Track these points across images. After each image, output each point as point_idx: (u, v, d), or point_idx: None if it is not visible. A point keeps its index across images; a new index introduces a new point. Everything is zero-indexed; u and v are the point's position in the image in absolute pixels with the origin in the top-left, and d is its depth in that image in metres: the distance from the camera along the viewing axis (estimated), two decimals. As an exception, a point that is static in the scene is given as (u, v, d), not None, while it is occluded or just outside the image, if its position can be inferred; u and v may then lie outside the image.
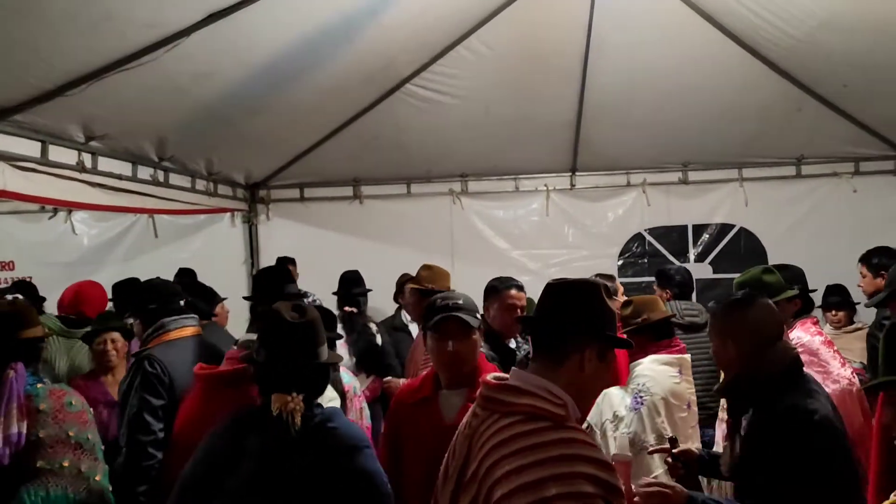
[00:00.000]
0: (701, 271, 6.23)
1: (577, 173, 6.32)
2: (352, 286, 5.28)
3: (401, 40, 4.60)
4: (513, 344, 3.85)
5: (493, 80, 5.18)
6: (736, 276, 5.80)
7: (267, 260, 6.18)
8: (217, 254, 6.31)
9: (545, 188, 6.32)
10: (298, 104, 4.84)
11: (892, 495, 1.72)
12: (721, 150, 5.97)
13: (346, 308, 5.13)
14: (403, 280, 5.17)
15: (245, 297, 4.28)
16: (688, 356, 3.54)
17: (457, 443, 1.78)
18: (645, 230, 6.31)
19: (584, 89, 5.26)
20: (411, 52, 4.87)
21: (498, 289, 3.69)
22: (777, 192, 6.11)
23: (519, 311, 3.53)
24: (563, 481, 1.50)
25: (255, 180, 6.35)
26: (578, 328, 1.73)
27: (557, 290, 1.82)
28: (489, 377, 1.80)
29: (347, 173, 6.33)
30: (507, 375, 1.77)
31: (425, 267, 4.59)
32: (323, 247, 6.23)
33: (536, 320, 1.82)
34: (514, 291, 3.63)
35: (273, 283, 3.77)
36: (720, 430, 3.42)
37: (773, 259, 5.47)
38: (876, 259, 4.37)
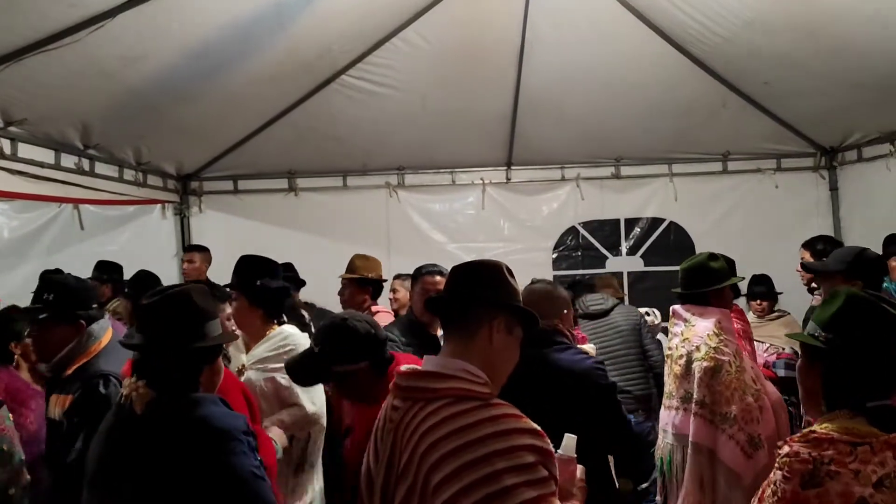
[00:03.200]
0: (632, 264, 6.39)
1: (512, 167, 6.39)
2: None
3: (336, 30, 4.57)
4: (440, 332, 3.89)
5: (430, 73, 5.19)
6: (666, 268, 6.09)
7: (200, 253, 6.05)
8: (147, 247, 6.14)
9: (481, 182, 6.37)
10: (232, 92, 4.75)
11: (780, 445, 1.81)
12: (652, 146, 6.13)
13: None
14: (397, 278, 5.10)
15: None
16: (589, 345, 3.60)
17: (377, 439, 1.79)
18: (579, 224, 6.43)
19: (519, 84, 5.32)
20: (347, 42, 4.84)
21: (416, 275, 3.76)
22: (704, 187, 6.31)
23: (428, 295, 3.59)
24: (507, 455, 1.55)
25: (186, 171, 6.21)
26: (483, 300, 1.80)
27: (461, 270, 1.91)
28: (402, 368, 1.81)
29: (282, 165, 6.25)
30: (417, 366, 1.80)
31: (360, 257, 4.60)
32: (257, 240, 6.10)
33: (444, 300, 1.88)
34: (429, 277, 3.72)
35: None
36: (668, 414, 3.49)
37: (701, 251, 5.65)
38: (820, 245, 4.60)
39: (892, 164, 5.33)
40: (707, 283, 3.46)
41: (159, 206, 6.17)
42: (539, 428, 1.65)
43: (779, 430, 3.18)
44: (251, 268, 3.31)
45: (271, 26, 4.14)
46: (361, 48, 4.96)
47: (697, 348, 3.30)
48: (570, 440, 1.97)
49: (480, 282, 1.83)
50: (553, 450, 1.67)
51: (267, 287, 3.26)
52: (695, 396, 3.27)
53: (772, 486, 1.74)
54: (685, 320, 3.47)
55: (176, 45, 3.94)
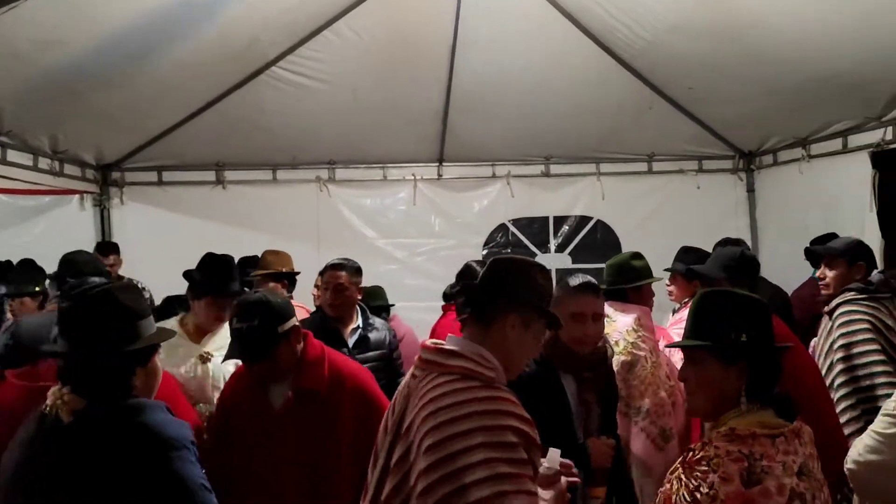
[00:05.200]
0: (560, 261, 6.49)
1: (444, 163, 6.40)
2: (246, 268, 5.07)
3: (266, 20, 4.49)
4: (358, 321, 3.88)
5: (362, 67, 5.16)
6: (593, 266, 6.22)
7: (122, 247, 5.83)
8: (63, 239, 5.80)
9: (412, 177, 6.36)
10: (156, 80, 4.61)
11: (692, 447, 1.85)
12: (580, 145, 6.24)
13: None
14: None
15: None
16: None
17: (396, 402, 1.96)
18: (509, 221, 6.49)
19: (451, 80, 5.34)
20: (277, 33, 4.76)
21: (323, 270, 3.88)
22: (630, 187, 6.46)
23: (333, 289, 3.72)
24: (489, 431, 1.71)
25: (107, 161, 5.97)
26: (507, 295, 1.95)
27: (497, 263, 2.07)
28: (427, 342, 1.98)
29: (210, 157, 6.08)
30: (443, 341, 1.96)
31: (271, 252, 4.61)
32: (183, 233, 5.95)
33: (474, 288, 2.05)
34: (332, 271, 3.80)
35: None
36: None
37: (627, 250, 5.80)
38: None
39: (805, 168, 5.59)
40: (627, 280, 3.58)
41: (77, 196, 5.91)
42: (530, 418, 1.81)
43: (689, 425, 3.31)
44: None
45: (199, 13, 4.04)
46: (292, 40, 4.89)
47: (616, 343, 3.39)
48: (553, 453, 2.02)
49: (508, 278, 1.99)
50: (540, 443, 1.81)
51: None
52: None
53: (703, 487, 1.70)
54: (607, 316, 3.55)
55: (97, 28, 3.79)
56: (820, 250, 3.54)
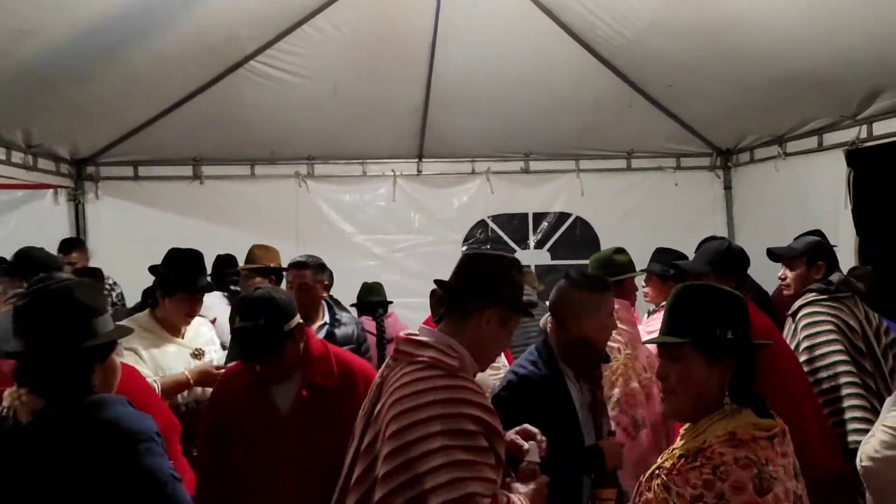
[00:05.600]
0: (540, 258, 6.52)
1: (423, 159, 6.39)
2: (225, 267, 5.03)
3: (244, 13, 4.46)
4: (325, 318, 3.88)
5: (341, 62, 5.13)
6: (572, 262, 6.24)
7: (97, 243, 5.76)
8: (37, 234, 5.72)
9: (392, 173, 6.34)
10: (133, 73, 4.55)
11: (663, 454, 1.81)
12: (560, 142, 6.26)
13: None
14: None
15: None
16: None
17: (371, 390, 2.02)
18: (488, 217, 6.50)
19: (431, 76, 5.33)
20: (256, 27, 4.72)
21: (288, 268, 3.87)
22: (610, 184, 6.50)
23: (297, 288, 3.71)
24: (448, 419, 1.76)
25: (82, 155, 5.88)
26: (482, 292, 1.99)
27: (473, 259, 2.12)
28: (402, 333, 2.02)
29: (187, 152, 6.02)
30: (417, 333, 2.00)
31: (260, 247, 4.57)
32: (159, 229, 5.86)
33: (450, 284, 2.06)
34: (294, 270, 3.81)
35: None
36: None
37: (606, 246, 5.84)
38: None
39: (781, 166, 5.65)
40: (609, 274, 3.59)
41: (51, 191, 5.83)
42: (492, 407, 1.87)
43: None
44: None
45: (176, 5, 4.00)
46: (270, 34, 4.85)
47: None
48: (533, 447, 2.03)
49: (482, 274, 2.03)
50: (503, 432, 1.87)
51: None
52: None
53: (709, 498, 1.61)
54: None
55: (73, 18, 3.73)
56: (779, 251, 3.56)
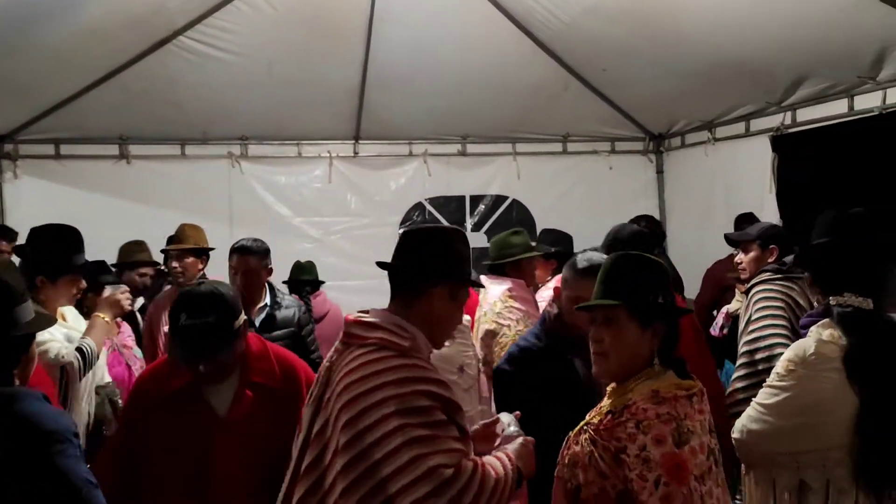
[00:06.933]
0: (477, 240, 6.51)
1: (360, 141, 6.32)
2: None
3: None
4: (266, 300, 3.82)
5: (276, 40, 5.00)
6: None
7: (15, 226, 5.48)
8: (-50, 216, 5.51)
9: (328, 155, 6.25)
10: (53, 46, 4.34)
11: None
12: (497, 125, 6.28)
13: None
14: None
15: None
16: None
17: (320, 375, 1.95)
18: (425, 199, 6.47)
19: (367, 57, 5.25)
20: (185, 0, 4.55)
21: (230, 253, 3.80)
22: (545, 167, 6.56)
23: (242, 273, 3.68)
24: (401, 398, 1.73)
25: (-1, 132, 5.60)
26: (429, 268, 1.93)
27: (412, 235, 2.06)
28: (351, 315, 1.94)
29: (112, 130, 5.78)
30: (365, 314, 1.93)
31: (191, 226, 4.42)
32: (83, 211, 5.57)
33: (393, 264, 2.00)
34: (233, 255, 3.76)
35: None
36: None
37: (542, 228, 5.91)
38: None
39: (710, 151, 5.82)
40: (505, 256, 3.90)
41: (-35, 170, 5.53)
42: (445, 381, 1.85)
43: None
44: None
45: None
46: (201, 9, 4.69)
47: (485, 313, 3.75)
48: (505, 417, 2.04)
49: (426, 249, 1.96)
50: (461, 404, 1.86)
51: None
52: (479, 356, 3.80)
53: (632, 449, 1.73)
54: (485, 288, 3.89)
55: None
56: (734, 236, 3.72)
